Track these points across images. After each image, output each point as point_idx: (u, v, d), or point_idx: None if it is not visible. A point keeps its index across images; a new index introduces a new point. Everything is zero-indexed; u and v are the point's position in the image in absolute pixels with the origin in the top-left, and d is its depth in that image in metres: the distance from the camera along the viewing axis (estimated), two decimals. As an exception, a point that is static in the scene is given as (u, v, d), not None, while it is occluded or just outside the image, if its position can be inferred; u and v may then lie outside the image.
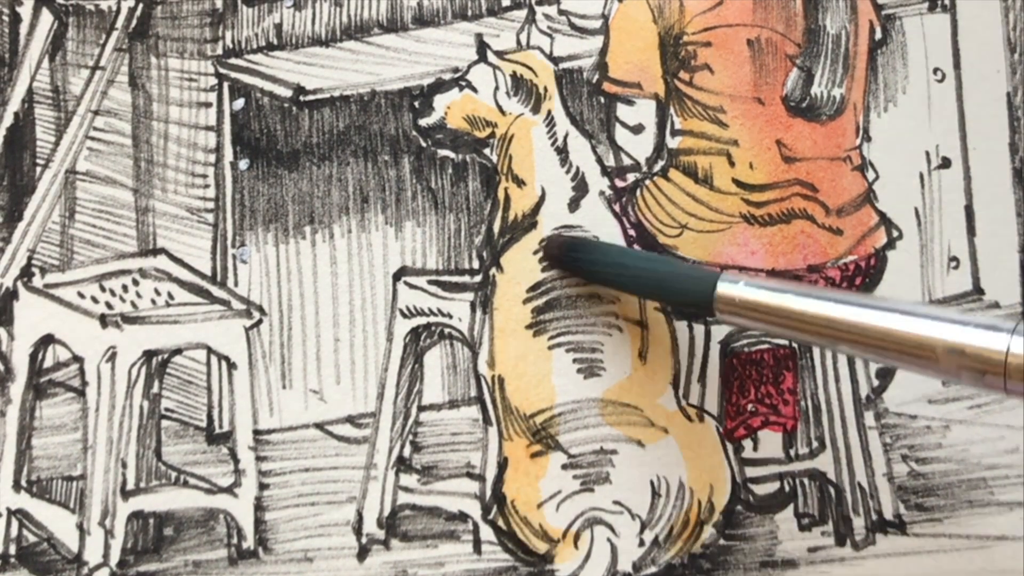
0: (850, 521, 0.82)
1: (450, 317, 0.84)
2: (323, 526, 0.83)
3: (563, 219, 0.83)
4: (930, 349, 0.61)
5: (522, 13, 0.86)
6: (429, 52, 0.86)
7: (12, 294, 0.85)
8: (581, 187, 0.84)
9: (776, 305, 0.69)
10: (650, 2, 0.85)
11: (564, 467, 0.82)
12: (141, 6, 0.87)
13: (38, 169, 0.86)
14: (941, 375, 0.63)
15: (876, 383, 0.84)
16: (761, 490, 0.83)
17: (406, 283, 0.85)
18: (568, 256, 0.81)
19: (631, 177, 0.85)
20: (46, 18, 0.87)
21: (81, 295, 0.84)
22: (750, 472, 0.83)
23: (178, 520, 0.83)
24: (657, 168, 0.85)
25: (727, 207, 0.84)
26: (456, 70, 0.85)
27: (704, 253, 0.83)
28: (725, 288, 0.71)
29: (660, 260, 0.81)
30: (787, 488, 0.83)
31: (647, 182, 0.85)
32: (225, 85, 0.87)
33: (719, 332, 0.83)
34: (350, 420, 0.84)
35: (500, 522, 0.82)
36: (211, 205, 0.86)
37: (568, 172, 0.84)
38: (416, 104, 0.85)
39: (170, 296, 0.85)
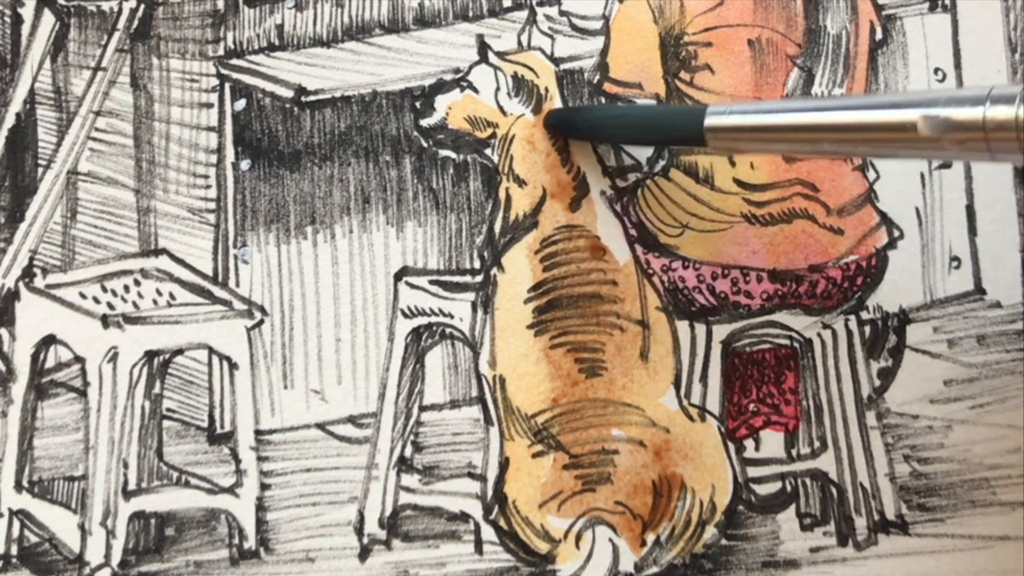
0: (852, 521, 0.82)
1: (451, 317, 0.84)
2: (325, 526, 0.83)
3: (564, 219, 0.83)
4: (911, 126, 0.64)
5: (523, 14, 0.86)
6: (430, 53, 0.86)
7: (14, 295, 0.85)
8: (582, 187, 0.84)
9: (761, 124, 0.72)
10: (651, 2, 0.85)
11: (566, 467, 0.82)
12: (143, 7, 0.87)
13: (40, 170, 0.86)
14: (925, 151, 0.67)
15: (878, 383, 0.84)
16: (763, 490, 0.83)
17: (407, 283, 0.85)
18: (564, 124, 0.83)
19: (632, 177, 0.85)
20: (48, 19, 0.87)
21: (83, 295, 0.85)
22: (752, 472, 0.83)
23: (179, 520, 0.83)
24: (658, 168, 0.85)
25: (728, 207, 0.84)
26: (457, 71, 0.85)
27: (705, 253, 0.83)
28: (713, 120, 0.74)
29: (649, 106, 0.84)
30: (789, 488, 0.83)
31: (648, 182, 0.85)
32: (227, 86, 0.87)
33: (721, 332, 0.83)
34: (351, 420, 0.84)
35: (501, 522, 0.82)
36: (212, 205, 0.86)
37: (569, 172, 0.84)
38: (417, 104, 0.85)
39: (172, 296, 0.85)
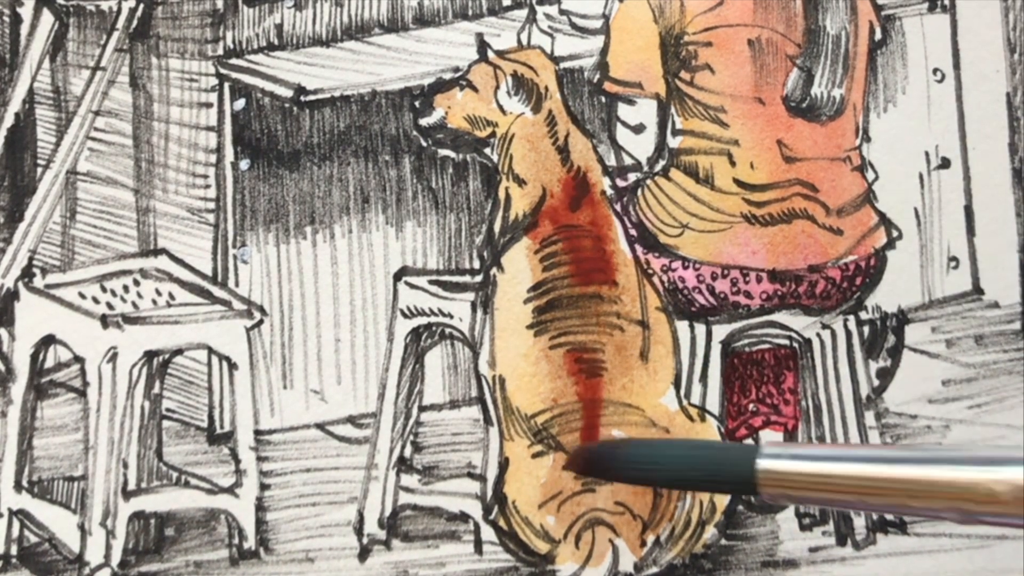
0: (851, 521, 0.82)
1: (451, 317, 0.84)
2: (324, 526, 0.83)
3: (564, 219, 0.83)
4: (990, 493, 0.59)
5: (523, 13, 0.86)
6: (430, 52, 0.86)
7: (13, 295, 0.85)
8: (582, 187, 0.84)
9: (819, 473, 0.64)
10: (651, 2, 0.85)
11: (566, 467, 0.82)
12: (142, 7, 0.87)
13: (39, 170, 0.86)
14: (1003, 516, 0.60)
15: (876, 383, 0.84)
16: (762, 490, 0.83)
17: (407, 283, 0.85)
18: (595, 464, 0.78)
19: (632, 176, 0.85)
20: (47, 19, 0.87)
21: (82, 295, 0.84)
22: (751, 472, 0.83)
23: (179, 520, 0.83)
24: (658, 168, 0.85)
25: (728, 207, 0.84)
26: (457, 69, 0.85)
27: (705, 252, 0.83)
28: (767, 464, 0.65)
29: (691, 445, 0.77)
30: (788, 488, 0.83)
31: (648, 182, 0.85)
32: (226, 85, 0.87)
33: (720, 332, 0.83)
34: (351, 420, 0.84)
35: (501, 522, 0.82)
36: (212, 205, 0.86)
37: (569, 172, 0.84)
38: (417, 104, 0.85)
39: (171, 296, 0.85)
